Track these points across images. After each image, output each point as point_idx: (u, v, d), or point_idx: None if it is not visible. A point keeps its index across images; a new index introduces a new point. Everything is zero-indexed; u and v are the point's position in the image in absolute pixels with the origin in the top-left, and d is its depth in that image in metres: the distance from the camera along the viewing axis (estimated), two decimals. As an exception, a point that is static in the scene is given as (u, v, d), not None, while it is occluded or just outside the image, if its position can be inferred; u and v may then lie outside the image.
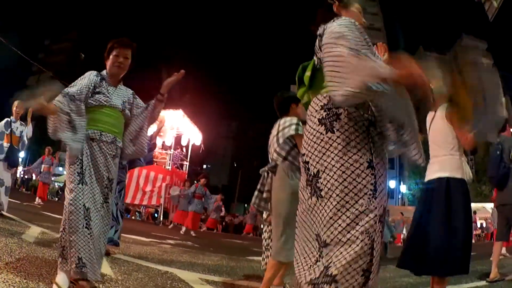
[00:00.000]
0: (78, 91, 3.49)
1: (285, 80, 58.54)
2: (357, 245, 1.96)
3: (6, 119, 8.46)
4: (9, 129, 8.31)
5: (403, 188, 49.85)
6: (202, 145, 24.38)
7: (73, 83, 3.60)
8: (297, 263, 2.25)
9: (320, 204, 2.11)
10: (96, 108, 3.59)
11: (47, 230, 7.00)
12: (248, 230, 27.55)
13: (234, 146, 73.83)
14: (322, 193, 2.10)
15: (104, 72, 3.76)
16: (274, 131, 4.31)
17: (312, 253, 2.13)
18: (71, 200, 3.31)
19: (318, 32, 2.35)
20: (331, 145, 2.12)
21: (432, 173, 4.19)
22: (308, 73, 2.37)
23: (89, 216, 3.34)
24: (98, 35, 72.15)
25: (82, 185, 3.37)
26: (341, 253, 1.97)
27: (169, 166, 23.50)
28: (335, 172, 2.08)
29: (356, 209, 2.01)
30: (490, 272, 5.79)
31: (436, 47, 55.41)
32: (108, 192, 3.59)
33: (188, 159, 25.73)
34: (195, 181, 16.82)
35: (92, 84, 3.60)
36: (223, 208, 27.02)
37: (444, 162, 4.13)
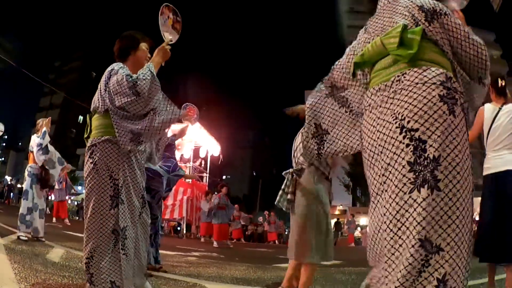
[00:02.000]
0: None
1: (298, 87, 58.62)
2: (469, 249, 1.72)
3: (34, 137, 8.03)
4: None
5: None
6: (220, 156, 24.36)
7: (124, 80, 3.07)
8: (381, 276, 1.84)
9: (434, 199, 1.70)
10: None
11: (71, 249, 7.00)
12: (272, 239, 27.45)
13: (252, 155, 73.97)
14: (441, 185, 1.71)
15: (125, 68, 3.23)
16: (299, 137, 4.46)
17: (411, 263, 1.67)
18: (100, 225, 3.08)
19: (417, 4, 2.08)
20: (453, 129, 1.78)
21: (500, 165, 4.24)
22: (417, 37, 1.93)
23: (124, 236, 3.09)
24: (107, 53, 72.78)
25: (115, 209, 3.09)
26: (456, 260, 1.66)
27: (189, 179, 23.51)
28: (457, 164, 1.74)
29: (468, 209, 1.74)
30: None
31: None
32: (143, 202, 3.34)
33: (208, 171, 25.72)
34: (215, 192, 16.90)
35: None
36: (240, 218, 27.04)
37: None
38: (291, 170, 4.46)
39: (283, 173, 4.56)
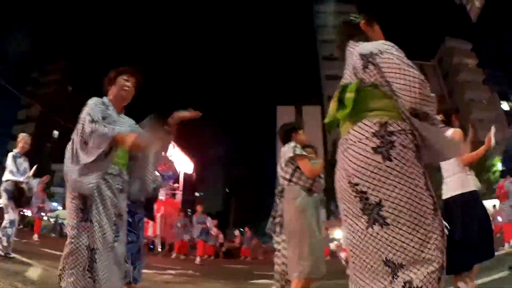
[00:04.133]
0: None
1: (271, 104, 58.91)
2: (433, 261, 2.05)
3: (12, 154, 7.84)
4: (15, 166, 7.74)
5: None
6: (194, 173, 24.35)
7: (92, 116, 3.25)
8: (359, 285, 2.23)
9: (386, 232, 2.11)
10: None
11: (49, 267, 6.86)
12: (245, 254, 27.45)
13: (225, 173, 73.84)
14: (388, 220, 2.11)
15: (105, 99, 3.53)
16: (279, 159, 4.65)
17: (383, 277, 2.11)
18: (72, 238, 3.06)
19: (358, 51, 2.38)
20: (390, 173, 2.13)
21: (451, 191, 4.61)
22: (351, 95, 2.28)
23: (93, 258, 3.04)
24: (84, 68, 72.39)
25: (86, 222, 3.09)
26: (419, 269, 2.04)
27: (162, 196, 23.41)
28: (400, 200, 2.11)
29: (425, 229, 2.09)
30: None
31: (419, 53, 56.10)
32: (118, 230, 3.29)
33: (181, 188, 25.65)
34: (189, 210, 16.99)
35: (100, 112, 3.33)
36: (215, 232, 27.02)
37: (454, 182, 4.60)
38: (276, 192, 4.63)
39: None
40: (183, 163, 23.63)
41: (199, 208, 16.46)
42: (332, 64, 59.99)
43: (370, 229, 2.15)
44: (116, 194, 3.32)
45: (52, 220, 29.67)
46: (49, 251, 10.61)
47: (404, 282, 2.03)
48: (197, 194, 67.40)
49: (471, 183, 4.59)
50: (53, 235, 26.39)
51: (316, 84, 64.03)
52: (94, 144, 3.14)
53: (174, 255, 18.10)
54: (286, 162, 4.50)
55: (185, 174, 24.71)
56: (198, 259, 15.42)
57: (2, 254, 7.12)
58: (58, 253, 9.53)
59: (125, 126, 3.49)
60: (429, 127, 2.22)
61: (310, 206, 4.35)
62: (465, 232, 4.39)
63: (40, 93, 68.25)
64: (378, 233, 2.13)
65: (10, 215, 7.44)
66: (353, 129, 2.29)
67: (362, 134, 2.24)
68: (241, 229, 30.02)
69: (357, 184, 2.21)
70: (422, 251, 2.06)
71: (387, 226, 2.10)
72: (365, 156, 2.19)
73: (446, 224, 4.23)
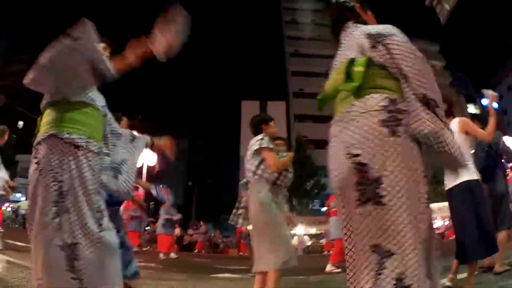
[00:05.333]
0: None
1: (235, 98, 58.79)
2: (422, 255, 1.94)
3: None
4: None
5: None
6: (157, 165, 24.14)
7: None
8: (352, 277, 2.09)
9: (379, 213, 1.96)
10: (79, 105, 2.87)
11: (11, 258, 6.73)
12: (199, 247, 27.46)
13: (188, 166, 73.35)
14: (384, 200, 1.96)
15: None
16: (246, 153, 4.61)
17: (368, 266, 1.96)
18: (46, 238, 2.58)
19: (364, 32, 2.32)
20: (395, 150, 2.02)
21: (455, 179, 4.73)
22: (361, 69, 2.18)
23: (75, 255, 2.56)
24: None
25: (61, 215, 2.59)
26: (409, 261, 1.90)
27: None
28: (400, 180, 1.99)
29: (418, 217, 1.98)
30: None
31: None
32: (101, 217, 2.77)
33: (144, 181, 25.41)
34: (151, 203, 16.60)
35: None
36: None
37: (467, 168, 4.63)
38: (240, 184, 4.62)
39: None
40: (146, 156, 23.38)
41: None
42: (298, 60, 60.31)
43: (360, 208, 2.03)
44: (96, 175, 2.83)
45: (13, 210, 29.06)
46: (12, 242, 10.42)
47: (394, 278, 1.88)
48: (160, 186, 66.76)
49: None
50: (16, 226, 25.88)
51: (281, 79, 64.22)
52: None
53: (161, 255, 17.56)
54: (252, 154, 4.48)
55: (148, 167, 24.46)
56: (161, 255, 14.98)
57: None
58: (20, 244, 9.38)
59: (100, 100, 3.07)
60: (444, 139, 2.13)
61: (274, 200, 4.34)
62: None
63: (4, 84, 66.54)
64: (370, 213, 1.99)
65: None
66: (359, 101, 2.17)
67: (370, 106, 2.13)
68: (196, 223, 30.00)
69: (357, 155, 2.06)
70: (413, 239, 1.93)
71: (382, 206, 1.97)
72: (370, 127, 2.07)
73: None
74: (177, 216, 16.57)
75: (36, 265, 2.63)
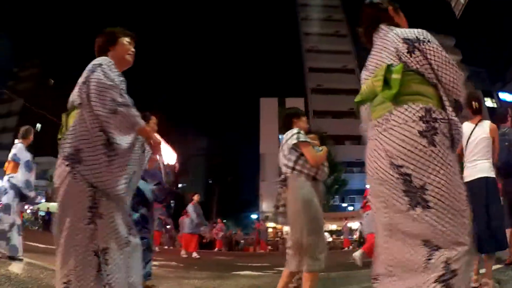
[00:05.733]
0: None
1: (254, 95, 58.76)
2: (466, 245, 2.16)
3: (21, 146, 7.27)
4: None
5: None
6: (177, 164, 24.25)
7: (110, 83, 2.77)
8: (399, 268, 2.27)
9: (427, 215, 2.17)
10: None
11: (32, 260, 6.81)
12: (219, 246, 27.34)
13: (208, 164, 73.61)
14: (431, 204, 2.17)
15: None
16: (281, 146, 4.49)
17: (418, 257, 2.17)
18: (77, 243, 2.62)
19: (401, 36, 2.45)
20: (434, 158, 2.21)
21: (474, 174, 4.95)
22: (398, 76, 2.33)
23: (105, 260, 2.63)
24: (65, 60, 71.45)
25: (95, 222, 2.66)
26: (455, 253, 2.12)
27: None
28: (443, 185, 2.18)
29: (461, 215, 2.20)
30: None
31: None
32: (131, 222, 2.90)
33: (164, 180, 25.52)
34: (172, 202, 16.40)
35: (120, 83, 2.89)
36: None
37: (484, 165, 4.96)
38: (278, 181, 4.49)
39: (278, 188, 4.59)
40: (166, 154, 23.51)
41: (196, 197, 15.42)
42: (315, 56, 60.08)
43: (412, 211, 2.21)
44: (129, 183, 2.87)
45: (29, 213, 29.42)
46: (32, 244, 10.57)
47: (443, 263, 2.11)
48: (180, 185, 67.19)
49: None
50: (36, 228, 26.17)
51: (299, 76, 63.98)
52: (123, 125, 2.75)
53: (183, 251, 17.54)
54: (289, 149, 4.34)
55: (168, 165, 24.59)
56: (183, 253, 14.96)
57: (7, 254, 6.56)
58: (40, 245, 9.51)
59: None
60: None
61: (315, 196, 4.21)
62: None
63: (22, 87, 67.47)
64: (419, 215, 2.19)
65: (10, 218, 6.79)
66: (397, 110, 2.34)
67: (408, 117, 2.29)
68: (224, 220, 30.01)
69: (401, 166, 2.26)
70: (458, 236, 2.16)
71: (429, 209, 2.17)
72: (411, 139, 2.25)
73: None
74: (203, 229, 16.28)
75: (64, 268, 2.62)
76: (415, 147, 2.23)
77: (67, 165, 2.72)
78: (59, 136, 3.01)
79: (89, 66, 2.87)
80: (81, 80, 2.84)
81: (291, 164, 4.31)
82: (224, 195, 64.74)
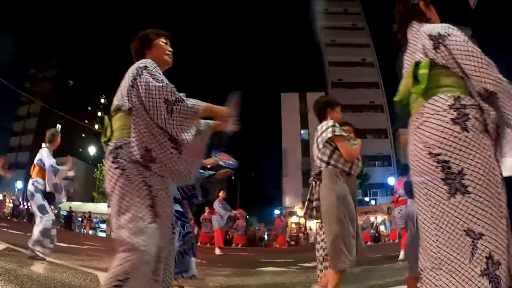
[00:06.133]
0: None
1: (275, 90, 58.66)
2: (505, 230, 2.20)
3: (46, 150, 7.22)
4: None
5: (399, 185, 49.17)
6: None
7: (159, 84, 2.71)
8: (446, 261, 2.27)
9: (467, 200, 2.22)
10: None
11: (56, 260, 6.90)
12: (237, 242, 27.12)
13: (228, 158, 73.80)
14: (469, 189, 2.22)
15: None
16: (314, 138, 4.36)
17: (464, 248, 2.21)
18: (142, 246, 2.52)
19: (426, 32, 2.53)
20: (469, 143, 2.27)
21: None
22: (425, 71, 2.45)
23: (158, 258, 2.67)
24: (84, 62, 72.08)
25: (155, 221, 2.64)
26: (497, 240, 2.16)
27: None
28: (480, 168, 2.23)
29: (498, 199, 2.24)
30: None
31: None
32: (173, 220, 2.92)
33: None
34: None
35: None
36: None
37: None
38: (312, 176, 4.37)
39: (309, 181, 4.49)
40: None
41: (222, 194, 14.90)
42: (334, 50, 59.79)
43: (452, 199, 2.25)
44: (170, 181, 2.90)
45: (55, 212, 29.87)
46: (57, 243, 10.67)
47: (486, 257, 2.14)
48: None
49: None
50: (58, 227, 26.47)
51: (319, 70, 63.76)
52: (183, 121, 2.69)
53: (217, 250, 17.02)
54: (324, 143, 4.19)
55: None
56: (217, 251, 14.76)
57: (43, 257, 6.54)
58: (63, 245, 9.58)
59: None
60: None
61: (349, 192, 4.10)
62: None
63: (40, 89, 68.29)
64: (460, 202, 2.23)
65: (51, 215, 6.91)
66: (429, 103, 2.43)
67: (439, 107, 2.38)
68: (247, 216, 29.89)
69: (439, 154, 2.32)
70: (499, 220, 2.20)
71: (469, 194, 2.22)
72: (444, 127, 2.32)
73: None
74: (233, 212, 15.99)
75: (117, 266, 2.51)
76: (450, 134, 2.30)
77: (117, 168, 2.68)
78: (103, 139, 2.97)
79: (134, 70, 2.81)
80: (126, 84, 2.80)
81: (325, 158, 4.18)
82: (246, 191, 64.84)
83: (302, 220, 45.65)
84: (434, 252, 2.32)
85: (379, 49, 61.02)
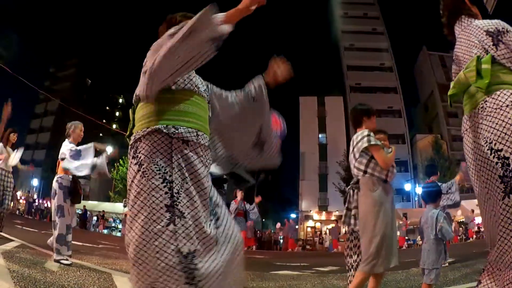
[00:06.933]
0: None
1: (293, 94, 58.48)
2: None
3: (64, 143, 6.85)
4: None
5: (419, 190, 48.93)
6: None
7: None
8: (498, 261, 2.29)
9: None
10: (183, 94, 2.50)
11: (69, 258, 6.81)
12: (250, 244, 27.05)
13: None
14: None
15: None
16: (351, 148, 4.45)
17: (508, 250, 2.19)
18: (156, 250, 2.19)
19: (483, 28, 2.52)
20: None
21: None
22: (488, 66, 2.42)
23: (193, 265, 2.20)
24: (102, 61, 72.67)
25: (176, 222, 2.22)
26: None
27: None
28: None
29: None
30: None
31: (439, 44, 55.55)
32: (218, 217, 2.48)
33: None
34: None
35: None
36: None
37: None
38: (350, 185, 4.47)
39: (347, 190, 4.58)
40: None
41: (240, 194, 13.73)
42: (353, 54, 59.54)
43: (506, 199, 2.21)
44: (208, 173, 2.51)
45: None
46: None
47: None
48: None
49: None
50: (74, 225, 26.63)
51: (337, 74, 63.45)
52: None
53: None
54: (360, 153, 4.30)
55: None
56: None
57: (68, 262, 6.27)
58: (76, 243, 9.58)
59: (201, 83, 2.73)
60: None
61: (386, 200, 4.18)
62: None
63: (59, 88, 68.99)
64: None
65: (66, 219, 6.63)
66: (491, 98, 2.40)
67: (502, 102, 2.34)
68: (263, 220, 29.82)
69: (500, 150, 2.29)
70: None
71: None
72: (507, 123, 2.28)
73: None
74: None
75: (143, 279, 2.23)
76: None
77: (135, 164, 2.38)
78: (127, 134, 2.68)
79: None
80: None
81: (362, 167, 4.28)
82: (263, 194, 64.78)
83: (318, 225, 45.61)
84: (493, 252, 2.32)
85: (397, 54, 60.69)
